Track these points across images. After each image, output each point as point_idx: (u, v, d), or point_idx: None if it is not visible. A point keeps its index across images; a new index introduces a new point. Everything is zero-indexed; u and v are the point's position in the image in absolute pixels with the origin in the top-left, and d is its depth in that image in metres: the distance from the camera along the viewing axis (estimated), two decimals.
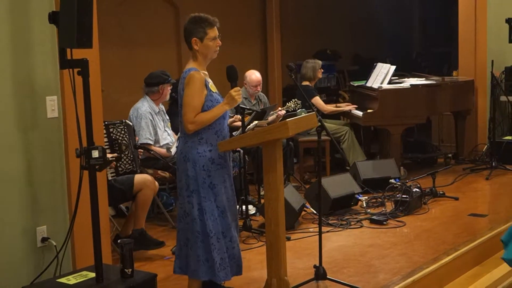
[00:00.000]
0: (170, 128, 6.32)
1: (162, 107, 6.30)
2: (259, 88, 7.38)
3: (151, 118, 6.05)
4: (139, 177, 5.32)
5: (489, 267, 5.27)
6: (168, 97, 6.24)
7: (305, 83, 7.95)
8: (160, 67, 6.44)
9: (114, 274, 3.86)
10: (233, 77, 4.22)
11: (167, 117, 6.34)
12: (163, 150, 6.06)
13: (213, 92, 4.15)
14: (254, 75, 7.31)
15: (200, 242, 4.12)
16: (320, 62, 8.14)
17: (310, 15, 10.86)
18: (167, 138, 6.19)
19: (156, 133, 6.08)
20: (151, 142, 6.01)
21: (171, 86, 6.17)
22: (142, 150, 5.83)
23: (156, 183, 5.50)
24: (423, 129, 9.37)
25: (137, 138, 5.87)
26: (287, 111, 6.99)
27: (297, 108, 6.92)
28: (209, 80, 4.19)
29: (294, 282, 4.40)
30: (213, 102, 4.11)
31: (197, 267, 4.15)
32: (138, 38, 7.86)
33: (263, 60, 9.73)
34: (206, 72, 4.23)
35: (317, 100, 7.92)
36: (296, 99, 6.97)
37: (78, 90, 3.80)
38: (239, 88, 4.16)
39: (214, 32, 4.16)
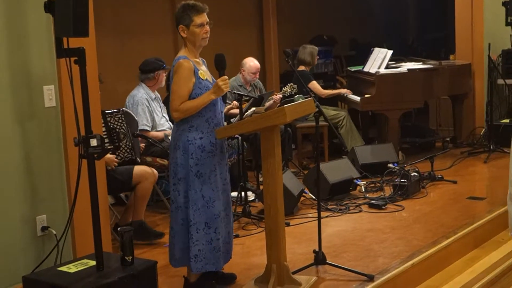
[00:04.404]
0: (167, 115, 6.31)
1: (158, 94, 6.29)
2: (258, 76, 7.37)
3: (148, 104, 6.04)
4: (138, 169, 5.32)
5: (488, 250, 5.29)
6: (163, 83, 6.23)
7: (301, 68, 7.93)
8: (156, 55, 6.43)
9: (114, 262, 3.87)
10: (221, 66, 4.18)
11: (163, 104, 6.33)
12: (160, 134, 6.06)
13: (202, 79, 4.10)
14: (252, 62, 7.28)
15: (184, 231, 4.14)
16: (317, 48, 8.12)
17: (307, 0, 10.83)
18: (165, 123, 6.19)
19: (153, 119, 6.07)
20: (148, 129, 6.01)
21: (166, 72, 6.17)
22: (143, 143, 5.82)
23: (156, 171, 5.50)
24: (421, 113, 9.39)
25: None
26: (283, 96, 6.99)
27: (293, 93, 6.92)
28: (201, 68, 4.15)
29: (294, 267, 4.42)
30: (201, 90, 4.07)
31: (181, 255, 4.18)
32: (134, 27, 7.83)
33: (259, 47, 9.70)
34: (198, 60, 4.19)
35: (314, 85, 7.92)
36: (292, 84, 6.96)
37: (75, 78, 3.80)
38: (226, 77, 4.10)
39: (201, 19, 4.09)
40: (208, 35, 4.16)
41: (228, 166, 4.34)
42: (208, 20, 4.14)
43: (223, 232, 4.22)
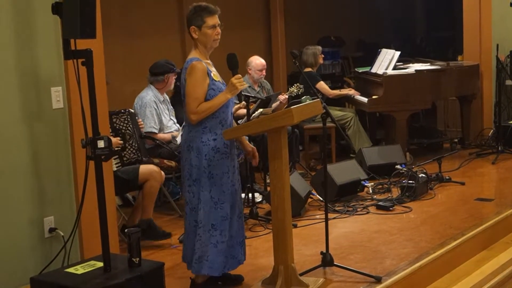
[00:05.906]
0: (175, 117, 6.32)
1: (166, 96, 6.31)
2: (264, 72, 7.37)
3: (156, 107, 6.06)
4: (144, 168, 5.32)
5: (496, 251, 5.28)
6: (172, 86, 6.26)
7: (307, 69, 7.92)
8: (164, 56, 6.44)
9: (121, 263, 3.87)
10: (233, 65, 4.19)
11: (171, 107, 6.34)
12: (167, 136, 6.06)
13: (215, 81, 4.13)
14: (258, 60, 7.30)
15: (195, 233, 4.13)
16: (320, 48, 8.12)
17: (314, 1, 10.82)
18: (173, 126, 6.20)
19: (161, 122, 6.08)
20: (156, 131, 6.02)
21: (176, 75, 6.18)
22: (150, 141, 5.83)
23: (163, 173, 5.50)
24: (429, 114, 9.37)
25: (142, 125, 5.84)
26: (290, 96, 6.99)
27: (299, 93, 6.91)
28: (212, 69, 4.18)
29: (301, 269, 4.41)
30: (215, 91, 4.09)
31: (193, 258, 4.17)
32: (141, 28, 7.84)
33: (267, 48, 9.70)
34: (209, 61, 4.21)
35: (322, 85, 7.92)
36: (298, 84, 6.95)
37: (82, 80, 3.80)
38: (240, 75, 4.12)
39: (213, 21, 4.11)
40: (219, 37, 4.17)
41: (238, 168, 4.34)
42: (219, 22, 4.15)
43: (239, 235, 4.23)
